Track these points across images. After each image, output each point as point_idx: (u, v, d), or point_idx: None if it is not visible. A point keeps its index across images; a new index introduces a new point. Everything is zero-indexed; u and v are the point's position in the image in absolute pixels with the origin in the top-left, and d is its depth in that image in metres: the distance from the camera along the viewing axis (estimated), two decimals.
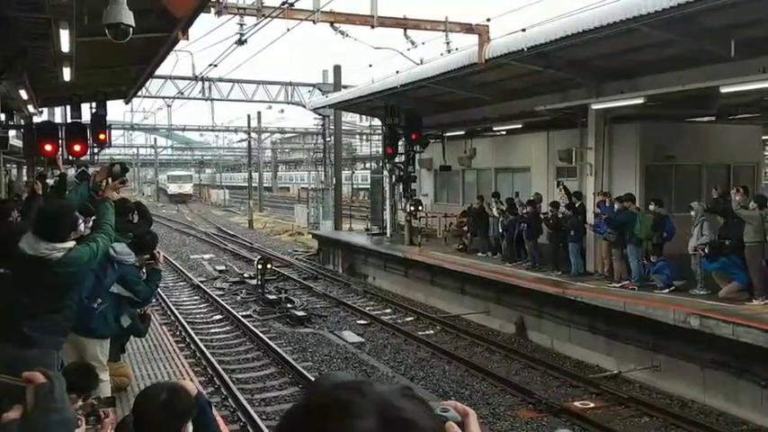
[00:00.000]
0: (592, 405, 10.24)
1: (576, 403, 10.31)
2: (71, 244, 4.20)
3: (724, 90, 11.18)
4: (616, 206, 13.24)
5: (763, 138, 19.31)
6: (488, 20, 13.97)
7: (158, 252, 6.04)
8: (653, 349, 11.30)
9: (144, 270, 5.90)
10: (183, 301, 18.35)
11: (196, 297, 19.00)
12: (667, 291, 12.05)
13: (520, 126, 18.00)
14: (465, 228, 19.15)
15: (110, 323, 5.50)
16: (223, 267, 23.93)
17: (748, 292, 11.01)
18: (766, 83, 10.60)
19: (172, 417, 2.74)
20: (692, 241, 12.02)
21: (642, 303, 11.46)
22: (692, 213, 12.20)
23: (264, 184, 60.93)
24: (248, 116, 43.64)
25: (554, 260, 14.80)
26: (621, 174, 14.82)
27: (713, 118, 15.97)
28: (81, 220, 4.44)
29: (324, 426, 0.79)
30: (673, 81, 12.29)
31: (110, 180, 4.88)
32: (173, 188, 70.48)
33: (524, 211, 15.62)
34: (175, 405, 2.75)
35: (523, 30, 12.69)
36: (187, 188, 70.83)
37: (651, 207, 12.89)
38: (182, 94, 27.61)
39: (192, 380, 7.11)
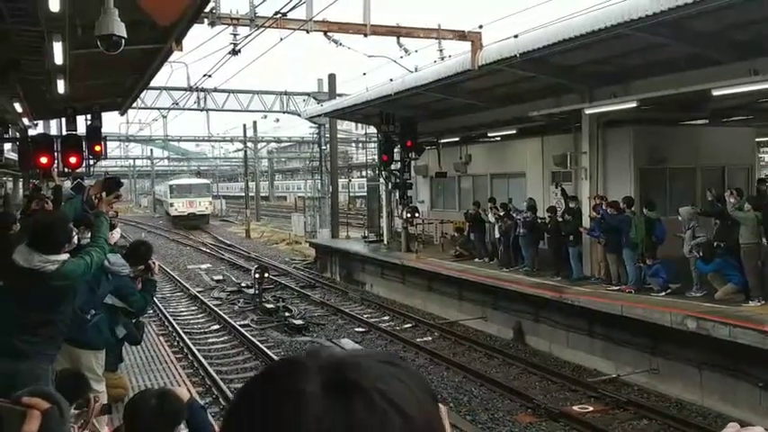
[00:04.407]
0: (590, 409, 10.25)
1: (575, 407, 10.31)
2: (65, 256, 4.20)
3: (715, 93, 11.24)
4: (609, 211, 13.27)
5: (757, 140, 19.40)
6: (481, 27, 14.03)
7: (153, 262, 6.04)
8: (651, 352, 11.31)
9: (139, 280, 5.90)
10: (181, 312, 18.32)
11: (193, 307, 18.97)
12: (664, 293, 12.07)
13: (514, 132, 18.06)
14: (456, 242, 19.22)
15: (104, 334, 5.50)
16: (220, 277, 23.92)
17: (744, 293, 11.04)
18: (756, 85, 10.66)
19: (162, 421, 2.78)
20: (685, 245, 12.07)
21: (639, 306, 11.49)
22: (680, 219, 12.24)
23: (261, 194, 60.89)
24: (244, 126, 43.78)
25: (555, 265, 14.82)
26: (616, 177, 14.87)
27: (706, 121, 16.05)
28: (75, 232, 4.45)
29: (268, 388, 0.73)
30: (665, 84, 12.36)
31: (104, 194, 4.90)
32: (178, 205, 45.89)
33: (524, 215, 15.64)
34: (165, 409, 2.80)
35: (516, 36, 12.76)
36: (203, 205, 46.44)
37: (644, 211, 12.96)
38: (177, 104, 27.68)
39: (188, 389, 7.09)
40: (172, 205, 46.81)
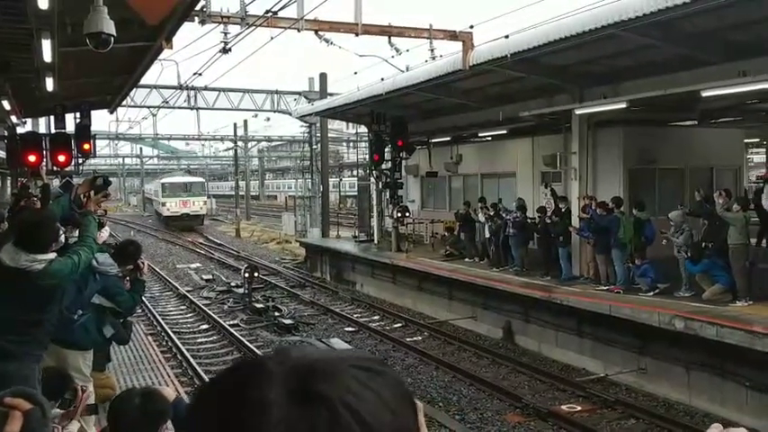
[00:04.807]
0: (579, 408, 10.29)
1: (563, 407, 10.36)
2: (52, 256, 4.17)
3: (705, 94, 11.32)
4: (598, 211, 13.34)
5: (745, 141, 19.55)
6: (472, 27, 14.07)
7: (143, 262, 6.01)
8: (639, 352, 11.37)
9: (128, 279, 5.86)
10: (170, 311, 18.24)
11: (182, 307, 18.90)
12: (652, 293, 12.14)
13: (505, 132, 18.10)
14: (447, 242, 19.27)
15: (91, 334, 5.46)
16: (210, 276, 23.82)
17: (732, 293, 11.12)
18: (745, 87, 10.74)
19: (146, 420, 2.78)
20: (674, 247, 12.14)
21: (627, 306, 11.54)
22: (671, 223, 12.25)
23: (251, 193, 60.65)
24: (234, 125, 43.63)
25: (545, 265, 14.87)
26: (605, 178, 14.95)
27: (695, 122, 16.16)
28: (62, 231, 4.42)
29: (229, 393, 0.68)
30: (654, 85, 12.43)
31: (92, 193, 4.87)
32: (171, 205, 42.81)
33: (514, 215, 15.68)
34: (149, 408, 2.79)
35: (506, 36, 12.80)
36: (198, 205, 43.41)
37: (634, 211, 13.03)
38: (167, 103, 27.55)
39: (177, 389, 7.08)
40: (164, 205, 43.38)
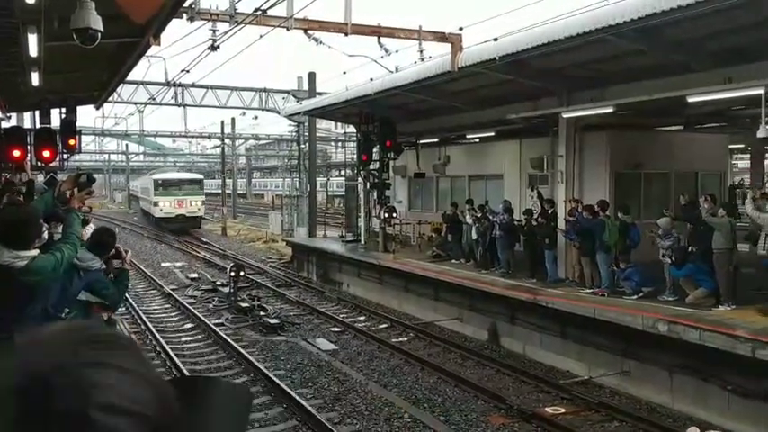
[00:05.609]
0: (563, 410, 10.33)
1: (547, 409, 10.39)
2: (35, 252, 4.13)
3: (690, 100, 11.42)
4: (584, 214, 13.42)
5: (729, 147, 19.74)
6: (461, 29, 14.09)
7: (126, 250, 5.95)
8: (623, 354, 11.44)
9: (111, 273, 5.81)
10: (154, 310, 18.13)
11: (167, 305, 18.79)
12: (636, 297, 12.23)
13: (493, 134, 18.16)
14: (434, 243, 19.31)
15: None
16: (195, 275, 23.70)
17: (715, 297, 11.21)
18: (730, 93, 10.84)
19: None
20: (660, 251, 12.22)
21: (612, 309, 11.61)
22: (660, 230, 12.28)
23: (238, 191, 60.34)
24: (222, 122, 43.41)
25: (530, 267, 14.93)
26: (592, 181, 15.04)
27: (681, 127, 16.30)
28: (45, 227, 4.38)
29: None
30: (642, 90, 12.52)
31: (76, 190, 4.83)
32: (165, 205, 38.63)
33: (501, 217, 15.73)
34: None
35: (495, 39, 12.83)
36: (195, 205, 39.37)
37: (619, 215, 13.12)
38: (154, 99, 27.37)
39: None
40: (156, 204, 38.77)
